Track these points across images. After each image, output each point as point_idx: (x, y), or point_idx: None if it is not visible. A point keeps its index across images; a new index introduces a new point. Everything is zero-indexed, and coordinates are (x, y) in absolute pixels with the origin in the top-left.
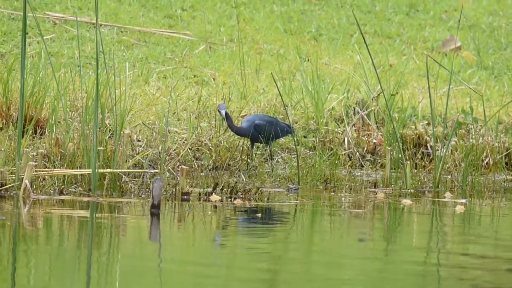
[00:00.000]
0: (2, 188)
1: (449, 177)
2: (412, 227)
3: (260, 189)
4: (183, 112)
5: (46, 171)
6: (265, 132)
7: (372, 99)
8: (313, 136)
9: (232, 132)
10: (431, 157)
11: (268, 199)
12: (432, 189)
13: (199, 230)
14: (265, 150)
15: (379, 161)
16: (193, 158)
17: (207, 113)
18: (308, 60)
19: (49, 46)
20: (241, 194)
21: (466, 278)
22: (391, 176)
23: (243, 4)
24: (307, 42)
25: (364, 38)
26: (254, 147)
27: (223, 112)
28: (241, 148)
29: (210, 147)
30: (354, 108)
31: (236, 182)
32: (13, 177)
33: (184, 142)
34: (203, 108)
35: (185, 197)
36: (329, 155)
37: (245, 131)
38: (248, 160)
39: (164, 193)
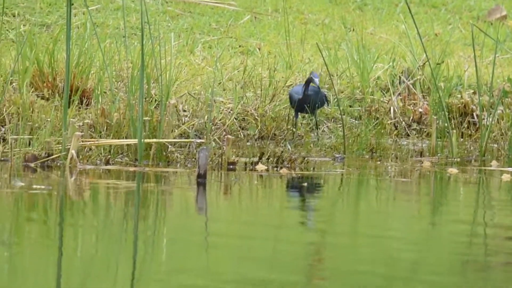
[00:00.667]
0: (49, 158)
1: (495, 145)
2: (458, 196)
3: (306, 158)
4: (228, 82)
5: (92, 141)
6: (311, 101)
7: (418, 68)
8: (359, 106)
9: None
10: (477, 126)
11: (314, 169)
12: (478, 158)
13: (245, 200)
14: (310, 120)
15: (425, 130)
16: (239, 128)
17: (252, 83)
18: (353, 30)
19: (95, 16)
20: (287, 164)
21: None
22: (437, 145)
23: None
24: (352, 12)
25: (409, 8)
26: (299, 116)
27: (317, 80)
28: (286, 118)
29: (256, 117)
30: (400, 78)
31: (282, 152)
32: (60, 148)
33: (229, 112)
34: (249, 78)
35: (231, 166)
36: (375, 124)
37: (309, 99)
38: (294, 130)
39: (210, 162)
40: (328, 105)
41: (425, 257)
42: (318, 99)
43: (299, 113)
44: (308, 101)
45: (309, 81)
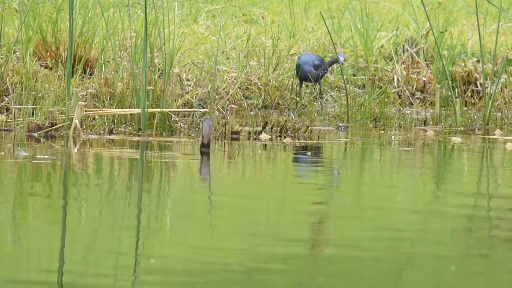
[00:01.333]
0: (53, 128)
1: (499, 114)
2: (462, 165)
3: (309, 127)
4: (232, 51)
5: (95, 110)
6: (320, 70)
7: (421, 37)
8: (362, 74)
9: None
10: (480, 94)
11: (317, 138)
12: (482, 126)
13: (249, 169)
14: (314, 89)
15: (428, 98)
16: (242, 97)
17: (256, 51)
18: None
19: None
20: (291, 133)
21: None
22: (440, 114)
23: None
24: None
25: None
26: (303, 85)
27: (342, 58)
28: (290, 87)
29: (260, 86)
30: (403, 46)
31: (285, 121)
32: (63, 117)
33: (233, 81)
34: (252, 47)
35: (234, 136)
36: (379, 93)
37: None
38: (297, 99)
39: (214, 132)
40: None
41: (428, 229)
42: (322, 68)
43: (303, 81)
44: (318, 77)
45: (334, 61)
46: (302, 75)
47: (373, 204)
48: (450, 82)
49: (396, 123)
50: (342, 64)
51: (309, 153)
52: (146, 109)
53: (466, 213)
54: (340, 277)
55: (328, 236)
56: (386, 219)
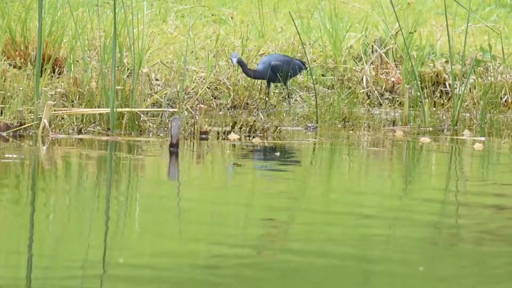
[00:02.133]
0: (21, 127)
1: (468, 115)
2: (430, 165)
3: (278, 127)
4: (201, 51)
5: (64, 110)
6: (282, 71)
7: (390, 37)
8: (332, 75)
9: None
10: (449, 95)
11: (286, 138)
12: (450, 127)
13: (217, 169)
14: (283, 89)
15: (397, 99)
16: (211, 97)
17: (225, 51)
18: None
19: None
20: (260, 133)
21: (483, 216)
22: (409, 114)
23: None
24: None
25: None
26: (271, 86)
27: (234, 60)
28: (259, 87)
29: (229, 86)
30: (372, 46)
31: (254, 121)
32: (32, 116)
33: (202, 81)
34: (221, 47)
35: (203, 136)
36: (348, 93)
37: (262, 74)
38: (266, 99)
39: (183, 132)
40: (307, 69)
41: (395, 235)
42: (290, 68)
43: (271, 82)
44: (258, 76)
45: (240, 61)
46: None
47: (340, 208)
48: (419, 82)
49: (365, 123)
50: (235, 64)
51: (277, 154)
52: (115, 109)
53: (433, 216)
54: (299, 281)
55: (292, 243)
56: (352, 226)
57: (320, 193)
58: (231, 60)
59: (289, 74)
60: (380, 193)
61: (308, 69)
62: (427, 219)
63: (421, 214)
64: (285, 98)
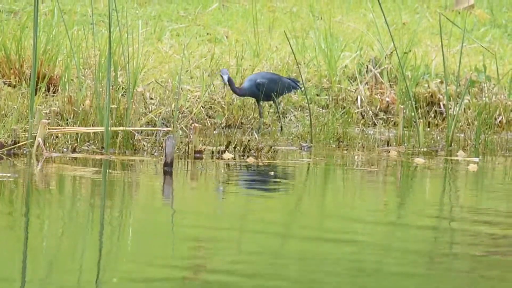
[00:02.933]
0: (15, 145)
1: (462, 135)
2: (424, 187)
3: (272, 147)
4: (196, 70)
5: (59, 129)
6: (268, 90)
7: (385, 57)
8: (326, 94)
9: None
10: (444, 115)
11: (280, 158)
12: (445, 147)
13: (211, 188)
14: (275, 108)
15: (392, 119)
16: (206, 116)
17: (220, 71)
18: (321, 18)
19: (62, 3)
20: (254, 152)
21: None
22: (404, 135)
23: None
24: (320, 0)
25: None
26: (261, 104)
27: (225, 77)
28: (253, 106)
29: (223, 105)
30: (367, 66)
31: (249, 140)
32: (26, 135)
33: (197, 100)
34: (216, 66)
35: (198, 155)
36: (342, 113)
37: (246, 91)
38: (259, 118)
39: (177, 151)
40: (298, 89)
41: (390, 255)
42: (278, 87)
43: (260, 100)
44: (244, 94)
45: (229, 79)
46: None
47: (333, 235)
48: (413, 103)
49: (359, 143)
50: (226, 81)
51: (271, 173)
52: (109, 128)
53: (426, 244)
54: None
55: (285, 270)
56: (346, 251)
57: (312, 218)
58: (222, 76)
59: (276, 92)
60: (373, 219)
61: (301, 88)
62: (420, 248)
63: (414, 242)
64: (278, 118)
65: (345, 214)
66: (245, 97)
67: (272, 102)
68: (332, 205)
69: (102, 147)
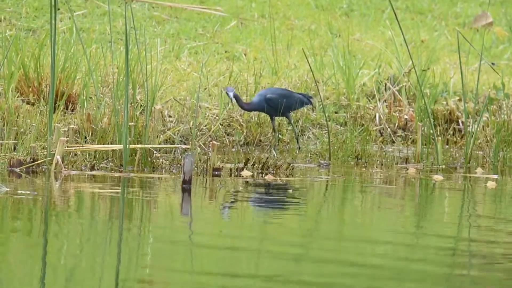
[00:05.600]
0: (34, 163)
1: (481, 153)
2: (443, 203)
3: (291, 164)
4: (214, 88)
5: (77, 146)
6: (277, 105)
7: (404, 75)
8: (344, 112)
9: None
10: (462, 133)
11: (299, 175)
12: (463, 164)
13: (230, 206)
14: (289, 125)
15: (410, 137)
16: (224, 134)
17: (238, 88)
18: (340, 36)
19: (81, 22)
20: (272, 170)
21: (496, 255)
22: (422, 152)
23: None
24: (338, 18)
25: (395, 14)
26: (275, 120)
27: (231, 94)
28: (272, 124)
29: (241, 123)
30: (386, 84)
31: (267, 158)
32: (45, 153)
33: (215, 117)
34: (235, 84)
35: (216, 172)
36: (360, 130)
37: (256, 106)
38: (280, 136)
39: (195, 168)
40: (310, 105)
41: (408, 271)
42: (289, 102)
43: (274, 117)
44: (252, 108)
45: (236, 96)
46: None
47: (351, 257)
48: (432, 120)
49: (377, 160)
50: (232, 98)
51: (290, 191)
52: (128, 145)
53: (446, 254)
54: None
55: (304, 278)
56: (365, 263)
57: (329, 240)
58: (227, 94)
59: (287, 107)
60: (391, 240)
61: (313, 103)
62: (439, 271)
63: (433, 264)
64: (296, 135)
65: (363, 234)
66: (259, 113)
67: (280, 116)
68: (350, 225)
69: (121, 165)
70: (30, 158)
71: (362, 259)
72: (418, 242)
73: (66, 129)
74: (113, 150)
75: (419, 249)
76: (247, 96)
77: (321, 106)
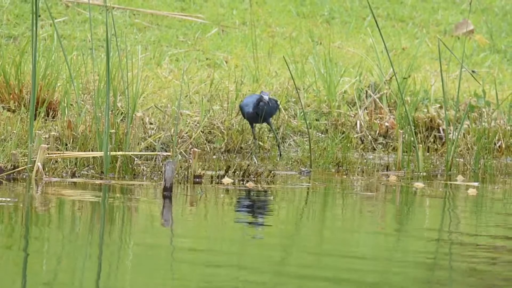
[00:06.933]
0: (15, 170)
1: (462, 160)
2: (424, 211)
3: (272, 172)
4: (195, 95)
5: (58, 153)
6: (263, 111)
7: (385, 82)
8: (325, 119)
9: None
10: (443, 140)
11: (280, 182)
12: (444, 172)
13: (211, 213)
14: (277, 133)
15: (391, 144)
16: (205, 141)
17: (219, 96)
18: (321, 43)
19: (62, 28)
20: (253, 177)
21: (477, 262)
22: (403, 159)
23: None
24: (319, 25)
25: (376, 21)
26: (255, 128)
27: (266, 97)
28: (252, 131)
29: (222, 130)
30: (367, 92)
31: (248, 165)
32: (26, 160)
33: (196, 125)
34: (216, 91)
35: (197, 180)
36: (341, 138)
37: (253, 114)
38: (260, 143)
39: (176, 175)
40: (278, 111)
41: (388, 277)
42: (270, 109)
43: (254, 123)
44: (257, 116)
45: (259, 100)
46: (244, 116)
47: (333, 250)
48: (412, 127)
49: (358, 168)
50: (265, 103)
51: (271, 198)
52: (108, 152)
53: (426, 261)
54: None
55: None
56: (345, 269)
57: (309, 253)
58: (263, 97)
59: (269, 113)
60: (371, 241)
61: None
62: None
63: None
64: (277, 141)
65: (343, 244)
66: (241, 120)
67: (261, 123)
68: (329, 237)
69: (102, 172)
70: (11, 165)
71: (341, 270)
72: (398, 252)
73: (47, 136)
74: (94, 157)
75: (399, 257)
76: (228, 104)
77: (302, 113)
